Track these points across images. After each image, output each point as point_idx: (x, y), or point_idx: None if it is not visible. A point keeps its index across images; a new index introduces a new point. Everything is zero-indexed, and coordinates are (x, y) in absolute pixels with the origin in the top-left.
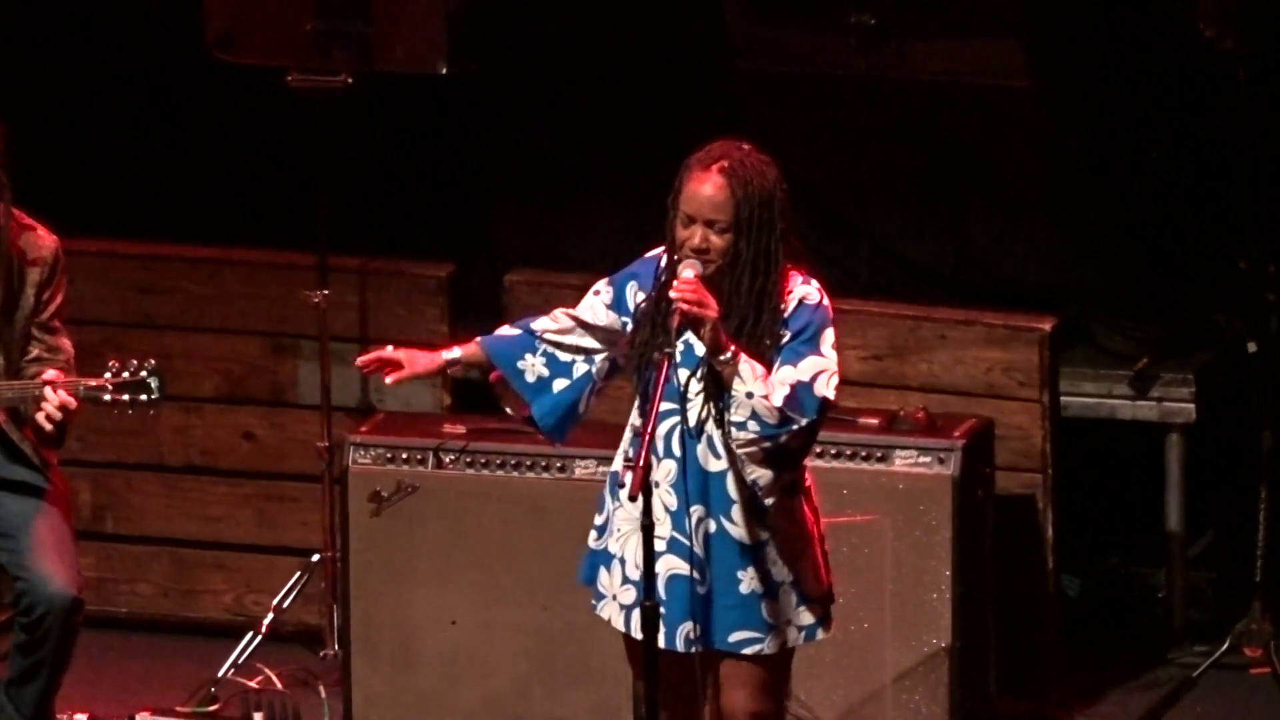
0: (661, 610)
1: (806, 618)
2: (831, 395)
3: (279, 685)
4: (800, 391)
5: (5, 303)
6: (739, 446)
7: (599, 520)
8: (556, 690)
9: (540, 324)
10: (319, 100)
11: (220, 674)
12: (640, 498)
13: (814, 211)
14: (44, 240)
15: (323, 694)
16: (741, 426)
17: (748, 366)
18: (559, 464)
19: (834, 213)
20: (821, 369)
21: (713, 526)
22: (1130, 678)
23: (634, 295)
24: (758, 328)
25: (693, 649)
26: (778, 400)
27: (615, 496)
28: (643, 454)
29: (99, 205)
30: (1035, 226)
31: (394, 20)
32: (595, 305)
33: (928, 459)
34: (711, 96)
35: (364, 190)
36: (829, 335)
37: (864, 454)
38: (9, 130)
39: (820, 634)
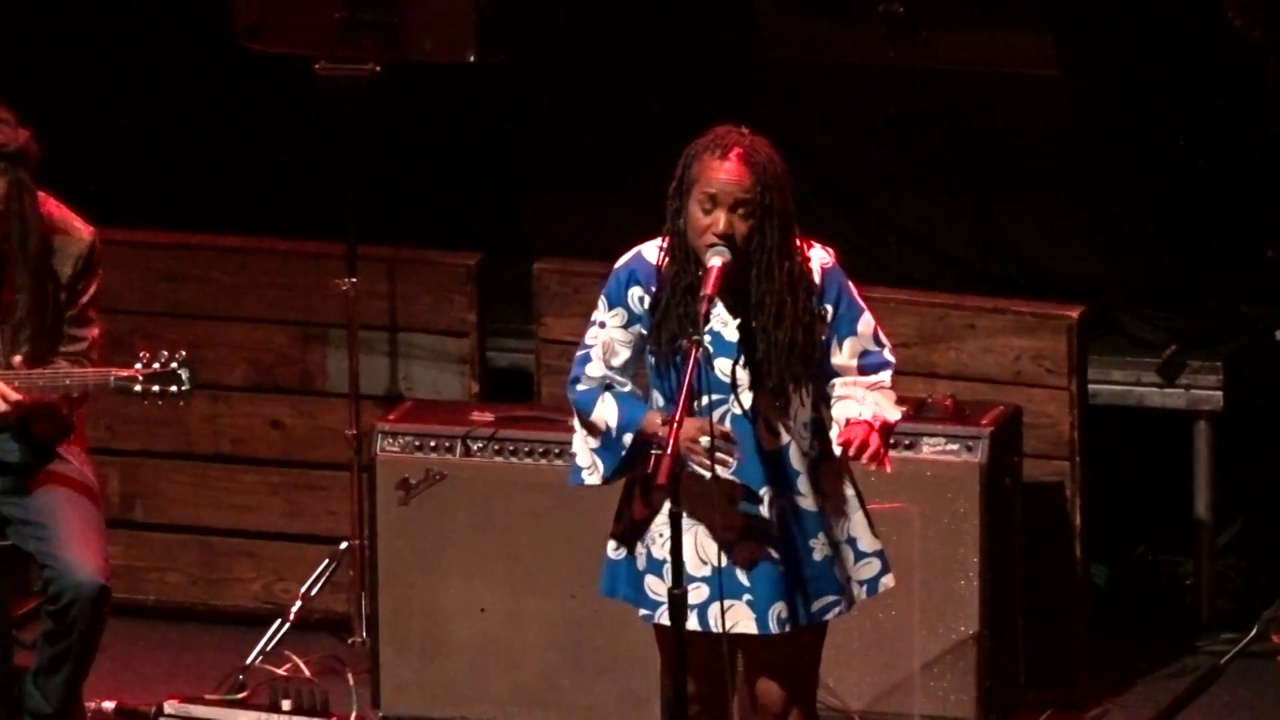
0: (749, 597)
1: (866, 571)
2: (893, 359)
3: (307, 673)
4: (892, 384)
5: (35, 293)
6: None
7: (617, 529)
8: (585, 679)
9: (612, 378)
10: (348, 90)
11: (248, 662)
12: (669, 485)
13: (842, 201)
14: (81, 232)
15: (351, 682)
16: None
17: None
18: None
19: (862, 202)
20: (872, 324)
21: (784, 503)
22: (1158, 666)
23: (639, 301)
24: (797, 308)
25: (785, 628)
26: (895, 415)
27: (648, 503)
28: (671, 441)
29: (128, 195)
30: (1063, 216)
31: (423, 10)
32: (613, 338)
33: (956, 447)
34: (740, 86)
35: (393, 179)
36: (852, 286)
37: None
38: (38, 126)
39: (882, 585)
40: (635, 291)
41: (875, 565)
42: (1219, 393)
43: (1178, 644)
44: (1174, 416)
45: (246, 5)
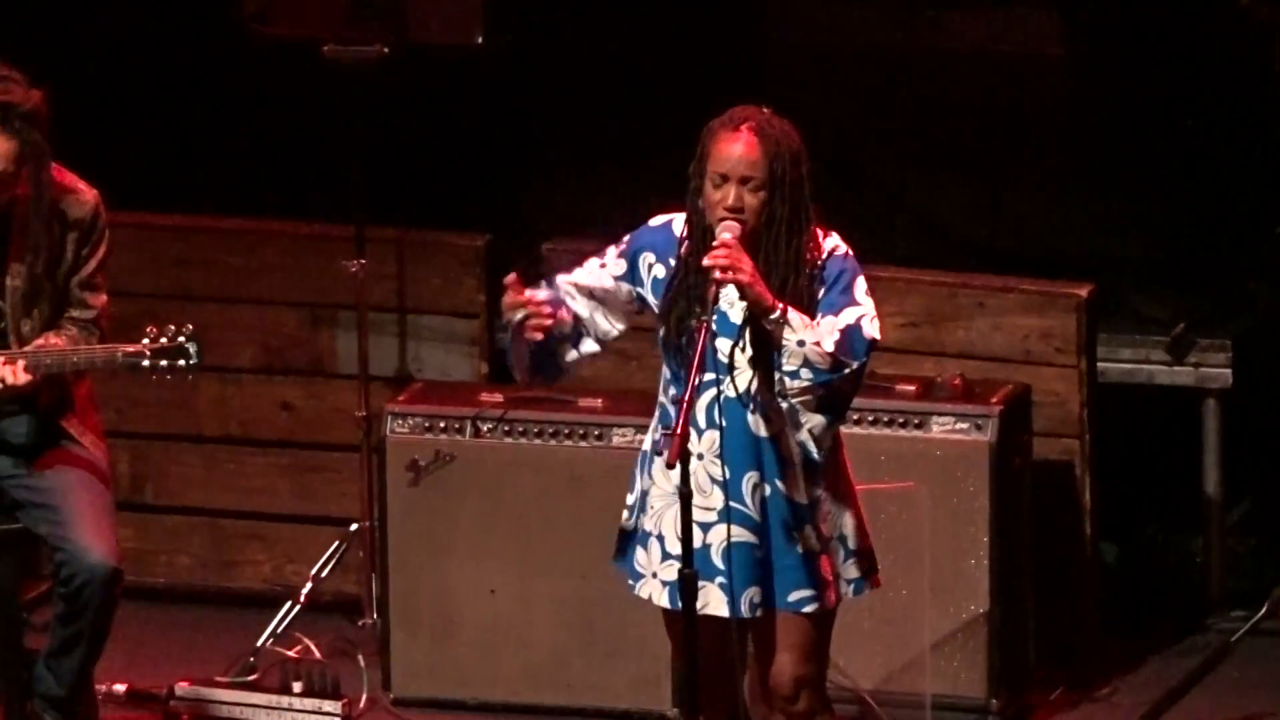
0: (722, 580)
1: (853, 571)
2: (878, 336)
3: (318, 655)
4: (850, 334)
5: (48, 257)
6: (793, 396)
7: (630, 500)
8: (595, 660)
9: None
10: (355, 72)
11: (259, 644)
12: (678, 465)
13: (850, 181)
14: (84, 198)
15: (361, 663)
16: (795, 375)
17: (797, 316)
18: (596, 432)
19: (870, 183)
20: (863, 313)
21: (768, 490)
22: (1168, 644)
23: (648, 267)
24: (798, 284)
25: (757, 613)
26: (829, 346)
27: (647, 474)
28: (681, 422)
29: (136, 178)
30: (1071, 195)
31: None
32: (601, 276)
33: (965, 426)
34: (746, 68)
35: (400, 161)
36: (861, 283)
37: (901, 421)
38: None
39: (867, 588)
40: (648, 258)
41: (864, 565)
42: (1228, 370)
43: (1187, 621)
44: (1183, 394)
45: None
